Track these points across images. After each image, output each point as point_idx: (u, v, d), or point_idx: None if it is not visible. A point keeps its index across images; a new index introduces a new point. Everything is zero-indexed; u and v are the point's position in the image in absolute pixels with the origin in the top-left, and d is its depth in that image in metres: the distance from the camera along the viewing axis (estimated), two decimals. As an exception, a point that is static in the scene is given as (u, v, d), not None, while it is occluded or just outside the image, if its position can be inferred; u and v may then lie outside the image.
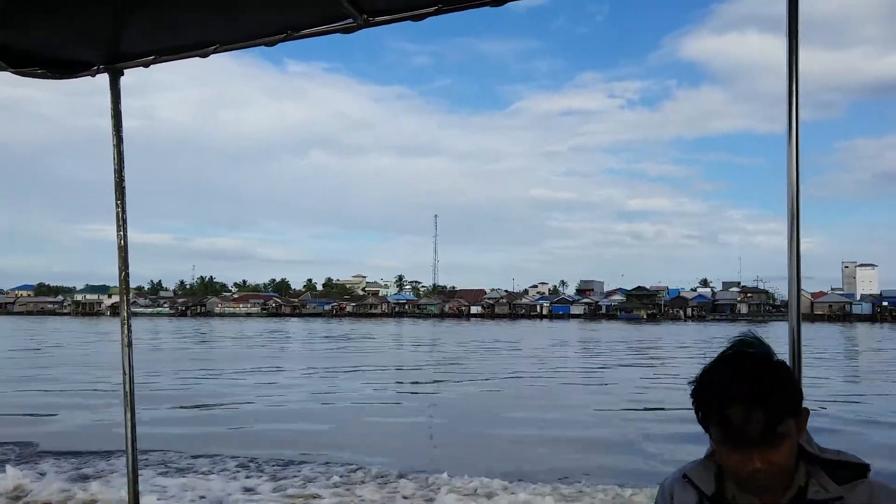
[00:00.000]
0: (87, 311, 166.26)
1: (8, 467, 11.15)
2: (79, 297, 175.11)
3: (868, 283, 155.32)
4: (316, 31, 2.34)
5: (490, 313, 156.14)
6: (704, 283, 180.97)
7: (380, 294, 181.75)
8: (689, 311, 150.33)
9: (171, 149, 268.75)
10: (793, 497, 1.64)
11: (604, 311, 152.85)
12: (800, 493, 1.64)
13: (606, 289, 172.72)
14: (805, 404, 1.68)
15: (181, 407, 19.69)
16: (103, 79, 2.87)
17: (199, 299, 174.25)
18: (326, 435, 15.58)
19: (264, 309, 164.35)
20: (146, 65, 2.72)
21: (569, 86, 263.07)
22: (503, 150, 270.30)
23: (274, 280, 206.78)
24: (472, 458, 12.89)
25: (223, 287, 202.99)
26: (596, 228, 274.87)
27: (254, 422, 17.39)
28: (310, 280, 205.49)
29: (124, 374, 2.95)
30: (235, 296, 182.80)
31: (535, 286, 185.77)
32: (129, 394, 2.94)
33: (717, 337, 68.89)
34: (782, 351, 1.72)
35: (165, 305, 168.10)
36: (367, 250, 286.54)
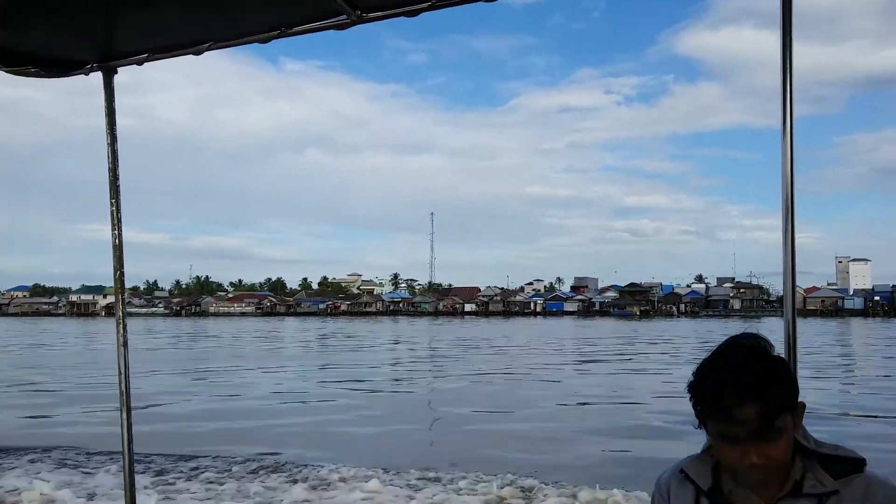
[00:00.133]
0: (83, 311, 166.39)
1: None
2: (74, 298, 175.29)
3: (861, 278, 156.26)
4: (309, 27, 2.35)
5: (484, 311, 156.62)
6: (699, 278, 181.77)
7: (375, 292, 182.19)
8: (682, 307, 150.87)
9: (168, 148, 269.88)
10: (789, 491, 1.65)
11: (597, 307, 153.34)
12: (796, 487, 1.65)
13: (601, 285, 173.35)
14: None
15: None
16: (100, 78, 2.89)
17: (193, 299, 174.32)
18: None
19: (259, 308, 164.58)
20: (140, 63, 2.73)
21: (565, 82, 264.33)
22: (499, 148, 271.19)
23: (269, 279, 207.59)
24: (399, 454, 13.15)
25: (219, 286, 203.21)
26: (593, 225, 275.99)
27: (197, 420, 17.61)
28: (305, 279, 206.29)
29: (119, 373, 2.95)
30: (230, 295, 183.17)
31: (531, 283, 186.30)
32: (124, 393, 2.95)
33: (698, 332, 69.55)
34: (776, 347, 1.72)
35: (160, 305, 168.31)
36: (365, 249, 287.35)
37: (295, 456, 12.50)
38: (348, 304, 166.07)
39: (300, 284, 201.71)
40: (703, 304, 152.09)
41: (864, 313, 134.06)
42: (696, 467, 1.77)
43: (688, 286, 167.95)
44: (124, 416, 2.94)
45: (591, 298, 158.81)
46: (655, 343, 51.50)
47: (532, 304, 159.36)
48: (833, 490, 1.63)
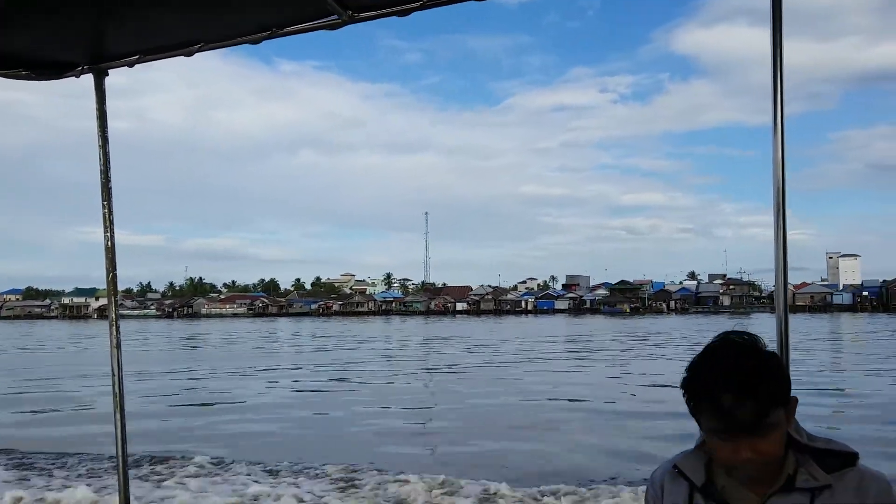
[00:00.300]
0: (75, 314, 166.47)
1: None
2: (66, 301, 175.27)
3: (851, 273, 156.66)
4: (301, 28, 2.34)
5: (476, 310, 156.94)
6: (692, 275, 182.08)
7: (367, 292, 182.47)
8: (672, 304, 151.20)
9: (162, 150, 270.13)
10: (782, 486, 1.66)
11: (588, 305, 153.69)
12: (789, 481, 1.65)
13: (592, 283, 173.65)
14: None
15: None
16: (91, 80, 2.89)
17: (185, 301, 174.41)
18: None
19: (251, 309, 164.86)
20: (131, 64, 2.72)
21: (560, 81, 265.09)
22: (494, 147, 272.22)
23: (263, 280, 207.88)
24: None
25: (212, 287, 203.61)
26: (589, 224, 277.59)
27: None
28: (298, 279, 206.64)
29: (113, 375, 2.94)
30: (222, 297, 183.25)
31: (524, 282, 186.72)
32: (118, 395, 2.94)
33: (677, 328, 69.80)
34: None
35: (152, 307, 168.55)
36: (361, 248, 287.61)
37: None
38: (340, 305, 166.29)
39: (293, 285, 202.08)
40: (693, 301, 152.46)
41: (852, 308, 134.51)
42: (689, 463, 1.77)
43: (680, 283, 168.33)
44: (118, 417, 2.93)
45: (581, 296, 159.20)
46: (621, 340, 51.99)
47: (523, 303, 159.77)
48: (826, 484, 1.64)
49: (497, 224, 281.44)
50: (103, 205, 2.96)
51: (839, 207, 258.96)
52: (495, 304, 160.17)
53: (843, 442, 1.72)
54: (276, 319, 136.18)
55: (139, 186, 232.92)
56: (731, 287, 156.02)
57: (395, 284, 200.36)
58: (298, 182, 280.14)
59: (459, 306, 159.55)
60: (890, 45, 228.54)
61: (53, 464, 12.24)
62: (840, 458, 1.67)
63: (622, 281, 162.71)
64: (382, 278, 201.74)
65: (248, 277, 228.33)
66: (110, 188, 2.97)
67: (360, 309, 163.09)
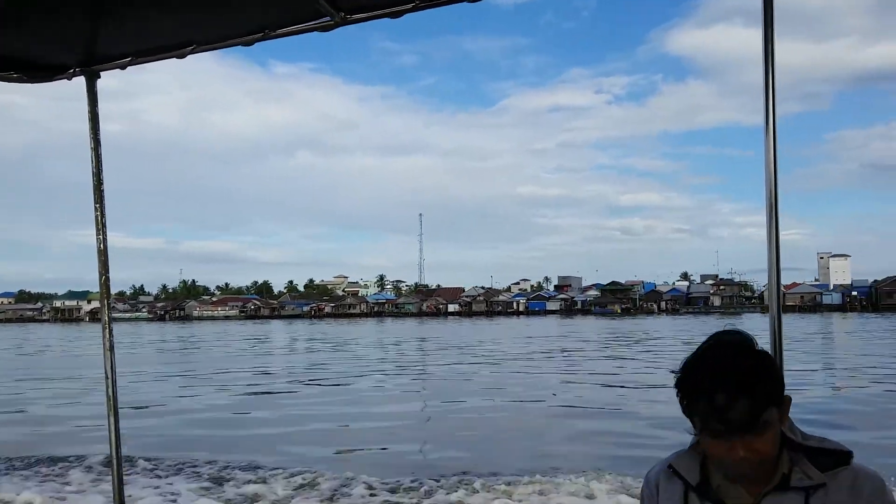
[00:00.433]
0: (66, 317, 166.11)
1: None
2: (58, 304, 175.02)
3: (841, 273, 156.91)
4: (293, 29, 2.34)
5: (467, 311, 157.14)
6: (685, 276, 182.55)
7: (360, 294, 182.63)
8: (663, 304, 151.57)
9: (159, 152, 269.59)
10: (776, 485, 1.66)
11: (579, 306, 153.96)
12: (783, 480, 1.66)
13: (585, 284, 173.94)
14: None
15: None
16: (84, 82, 2.90)
17: (177, 303, 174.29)
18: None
19: (243, 312, 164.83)
20: (123, 67, 2.72)
21: (556, 82, 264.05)
22: (490, 148, 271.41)
23: (256, 282, 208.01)
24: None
25: (206, 290, 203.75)
26: (585, 224, 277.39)
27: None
28: (291, 281, 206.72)
29: (106, 377, 2.94)
30: (214, 299, 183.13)
31: (517, 283, 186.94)
32: (111, 397, 2.93)
33: (658, 328, 69.90)
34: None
35: (144, 310, 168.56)
36: (357, 250, 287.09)
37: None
38: (332, 307, 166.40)
39: (286, 287, 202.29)
40: (683, 302, 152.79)
41: (842, 308, 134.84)
42: (684, 462, 1.78)
43: (672, 284, 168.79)
44: (112, 419, 2.93)
45: (573, 297, 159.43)
46: (590, 341, 52.23)
47: (515, 304, 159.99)
48: (820, 483, 1.64)
49: (493, 225, 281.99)
50: (95, 207, 2.95)
51: (835, 207, 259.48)
52: (487, 305, 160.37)
53: (836, 441, 1.72)
54: (269, 322, 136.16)
55: (135, 189, 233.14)
56: (722, 288, 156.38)
57: (389, 286, 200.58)
58: (294, 184, 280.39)
59: (451, 308, 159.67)
60: (884, 45, 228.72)
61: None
62: (834, 457, 1.68)
63: (613, 282, 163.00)
64: (375, 280, 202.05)
65: (244, 280, 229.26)
66: (103, 190, 2.96)
67: (352, 311, 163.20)
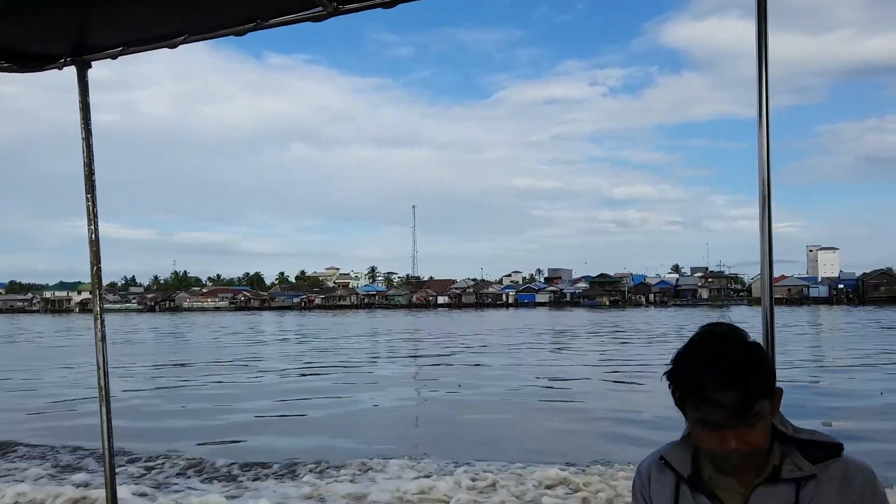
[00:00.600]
0: (56, 308, 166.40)
1: None
2: (48, 295, 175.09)
3: (829, 266, 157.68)
4: (285, 19, 2.31)
5: (457, 303, 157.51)
6: (676, 268, 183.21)
7: (350, 286, 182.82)
8: (651, 297, 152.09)
9: (153, 143, 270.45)
10: (767, 476, 1.67)
11: (568, 298, 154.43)
12: (774, 472, 1.67)
13: (575, 276, 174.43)
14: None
15: None
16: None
17: (167, 294, 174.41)
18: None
19: (233, 303, 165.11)
20: (114, 56, 2.68)
21: (550, 74, 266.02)
22: (486, 140, 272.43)
23: (248, 274, 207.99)
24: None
25: (197, 281, 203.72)
26: (580, 217, 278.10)
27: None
28: (282, 273, 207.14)
29: (98, 368, 2.91)
30: (204, 290, 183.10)
31: (509, 275, 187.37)
32: (103, 388, 2.90)
33: (632, 321, 70.05)
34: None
35: (134, 301, 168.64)
36: (352, 242, 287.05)
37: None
38: (322, 298, 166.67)
39: (277, 278, 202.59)
40: (672, 294, 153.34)
41: (828, 301, 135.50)
42: (675, 454, 1.79)
43: (661, 276, 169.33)
44: (103, 410, 2.91)
45: (562, 290, 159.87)
46: (557, 334, 52.31)
47: (504, 296, 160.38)
48: (811, 475, 1.66)
49: (489, 217, 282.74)
50: (87, 198, 2.91)
51: (828, 200, 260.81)
52: (477, 297, 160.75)
53: (827, 433, 1.74)
54: (259, 313, 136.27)
55: (130, 180, 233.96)
56: (710, 280, 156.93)
57: (380, 278, 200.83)
58: (290, 175, 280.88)
59: (441, 300, 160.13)
60: (878, 38, 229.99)
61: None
62: (825, 449, 1.69)
63: (602, 274, 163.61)
64: (366, 272, 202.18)
65: (238, 271, 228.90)
66: (94, 181, 2.92)
67: (342, 302, 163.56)
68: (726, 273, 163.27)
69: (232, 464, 11.55)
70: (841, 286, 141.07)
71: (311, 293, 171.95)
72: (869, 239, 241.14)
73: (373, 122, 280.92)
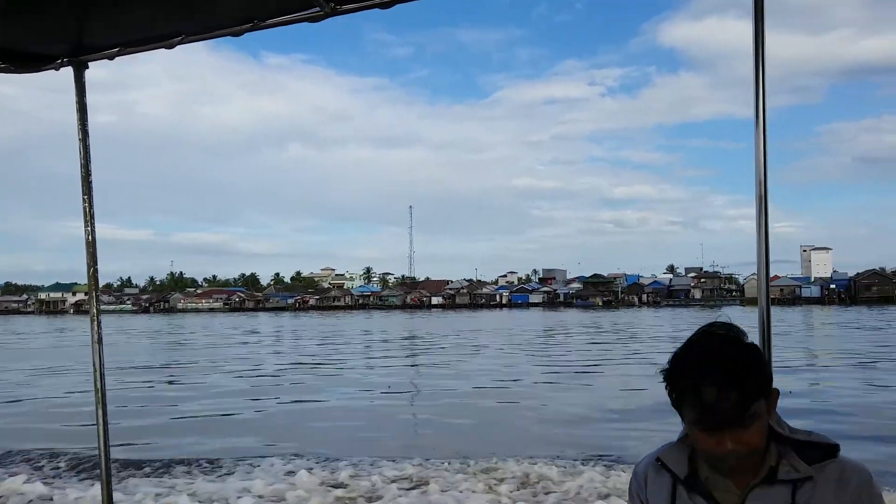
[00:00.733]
0: (51, 309, 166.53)
1: None
2: (43, 296, 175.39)
3: (823, 266, 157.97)
4: (282, 20, 2.31)
5: (451, 304, 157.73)
6: (671, 269, 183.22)
7: (345, 287, 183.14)
8: (644, 297, 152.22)
9: (151, 144, 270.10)
10: (764, 477, 1.67)
11: (562, 299, 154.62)
12: (770, 473, 1.67)
13: (570, 276, 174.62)
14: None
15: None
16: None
17: (162, 295, 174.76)
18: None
19: (227, 304, 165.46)
20: (111, 57, 2.68)
21: (549, 74, 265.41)
22: (485, 140, 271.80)
23: (243, 274, 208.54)
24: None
25: (193, 282, 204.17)
26: (580, 217, 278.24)
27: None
28: (277, 274, 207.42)
29: (95, 370, 2.90)
30: (199, 291, 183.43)
31: (505, 276, 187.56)
32: (100, 391, 2.90)
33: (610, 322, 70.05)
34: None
35: (128, 302, 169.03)
36: (350, 243, 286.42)
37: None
38: (317, 299, 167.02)
39: (272, 279, 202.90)
40: (665, 294, 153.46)
41: (820, 301, 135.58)
42: (672, 455, 1.79)
43: (655, 276, 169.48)
44: (100, 413, 2.90)
45: (556, 290, 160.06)
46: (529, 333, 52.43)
47: (498, 297, 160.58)
48: (807, 476, 1.66)
49: (489, 218, 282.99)
50: (84, 199, 2.91)
51: (827, 200, 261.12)
52: (471, 298, 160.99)
53: (824, 434, 1.74)
54: (254, 314, 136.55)
55: (127, 180, 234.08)
56: (703, 280, 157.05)
57: (375, 278, 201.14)
58: (288, 176, 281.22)
59: (435, 300, 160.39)
60: (877, 38, 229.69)
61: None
62: (821, 450, 1.69)
63: (595, 274, 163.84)
64: (362, 273, 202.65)
65: (235, 272, 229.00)
66: (91, 182, 2.92)
67: (336, 303, 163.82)
68: (722, 273, 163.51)
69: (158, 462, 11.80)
70: (833, 286, 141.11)
71: (305, 294, 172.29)
72: (868, 239, 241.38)
73: (371, 122, 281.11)
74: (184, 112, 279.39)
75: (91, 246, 2.92)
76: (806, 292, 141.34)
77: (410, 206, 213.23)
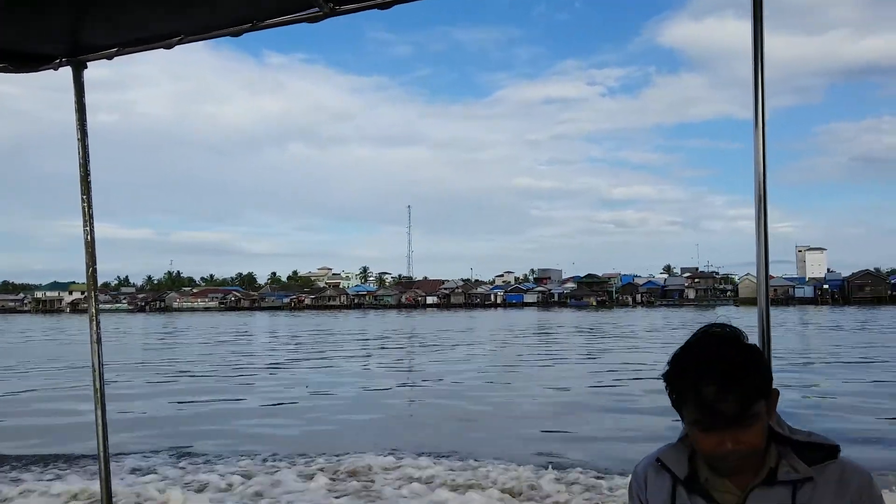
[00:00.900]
0: (47, 308, 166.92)
1: None
2: (39, 295, 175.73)
3: (817, 267, 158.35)
4: (282, 20, 2.31)
5: (446, 303, 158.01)
6: (667, 269, 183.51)
7: (341, 286, 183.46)
8: (638, 297, 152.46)
9: (152, 143, 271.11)
10: (764, 478, 1.67)
11: (556, 299, 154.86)
12: (771, 474, 1.67)
13: (566, 276, 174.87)
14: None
15: None
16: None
17: (158, 294, 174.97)
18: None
19: (223, 303, 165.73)
20: (110, 57, 2.68)
21: (549, 73, 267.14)
22: (484, 140, 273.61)
23: (241, 273, 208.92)
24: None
25: (191, 281, 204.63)
26: (579, 216, 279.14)
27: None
28: (274, 273, 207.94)
29: (94, 370, 2.90)
30: (194, 290, 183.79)
31: (501, 275, 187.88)
32: (99, 390, 2.90)
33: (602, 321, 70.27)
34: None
35: (124, 301, 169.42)
36: (350, 242, 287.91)
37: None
38: (312, 298, 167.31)
39: (269, 278, 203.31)
40: (659, 294, 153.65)
41: (813, 301, 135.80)
42: (672, 456, 1.79)
43: (651, 276, 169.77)
44: (99, 412, 2.90)
45: (550, 290, 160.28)
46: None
47: (493, 296, 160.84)
48: (808, 476, 1.65)
49: (489, 217, 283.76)
50: (82, 198, 2.90)
51: (827, 200, 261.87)
52: (465, 297, 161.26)
53: (824, 435, 1.74)
54: (252, 314, 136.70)
55: (128, 180, 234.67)
56: (697, 280, 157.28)
57: (372, 278, 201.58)
58: (288, 175, 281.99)
59: (430, 300, 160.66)
60: (875, 38, 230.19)
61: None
62: (822, 451, 1.69)
63: (589, 274, 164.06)
64: (359, 272, 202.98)
65: (234, 271, 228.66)
66: (90, 182, 2.91)
67: (332, 303, 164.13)
68: (719, 273, 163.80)
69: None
70: (826, 286, 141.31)
71: (301, 293, 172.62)
72: (866, 239, 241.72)
73: (371, 121, 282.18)
74: (184, 111, 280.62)
75: (90, 246, 2.93)
76: (799, 293, 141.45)
77: (409, 206, 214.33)
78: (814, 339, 42.38)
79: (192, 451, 12.77)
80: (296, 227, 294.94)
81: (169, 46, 2.52)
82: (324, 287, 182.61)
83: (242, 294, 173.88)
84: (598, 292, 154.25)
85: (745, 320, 1.78)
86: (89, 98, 2.90)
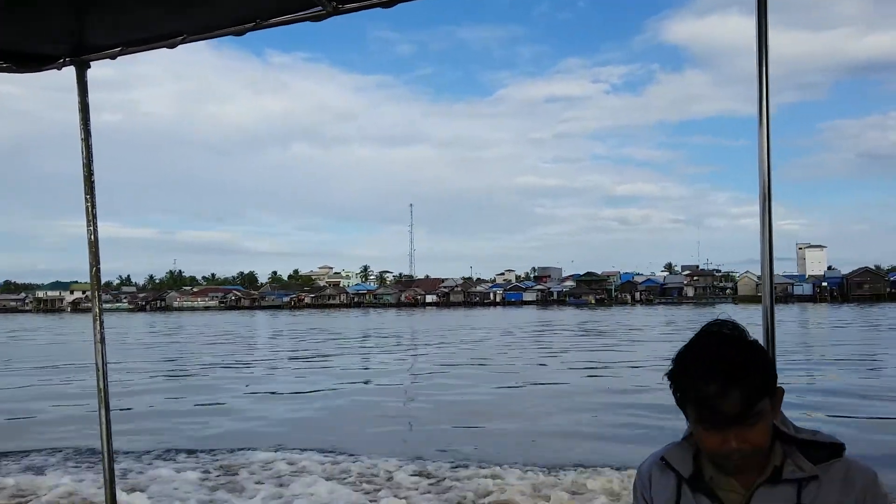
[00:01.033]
0: (49, 307, 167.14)
1: None
2: (41, 294, 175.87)
3: (817, 264, 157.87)
4: (285, 19, 2.31)
5: (445, 302, 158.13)
6: (669, 267, 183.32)
7: (341, 285, 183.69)
8: (637, 295, 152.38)
9: (155, 143, 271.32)
10: (769, 477, 1.66)
11: (555, 297, 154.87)
12: (775, 472, 1.66)
13: (566, 274, 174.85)
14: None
15: None
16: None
17: (158, 294, 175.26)
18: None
19: (223, 302, 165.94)
20: (113, 57, 2.67)
21: (552, 72, 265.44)
22: (488, 138, 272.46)
23: (242, 272, 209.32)
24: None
25: (192, 280, 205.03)
26: (583, 214, 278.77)
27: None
28: (274, 272, 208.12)
29: (97, 369, 2.90)
30: (195, 289, 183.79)
31: (502, 274, 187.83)
32: (102, 390, 2.90)
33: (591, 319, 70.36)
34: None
35: (125, 300, 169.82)
36: (353, 241, 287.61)
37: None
38: (312, 297, 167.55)
39: (269, 277, 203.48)
40: (658, 292, 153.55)
41: (812, 299, 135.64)
42: (676, 455, 1.78)
43: (651, 273, 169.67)
44: (103, 412, 2.90)
45: (549, 288, 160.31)
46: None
47: (492, 295, 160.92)
48: (813, 475, 1.65)
49: (492, 216, 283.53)
50: (86, 198, 2.89)
51: (832, 197, 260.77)
52: (465, 296, 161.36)
53: (830, 434, 1.73)
54: (252, 313, 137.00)
55: (131, 179, 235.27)
56: (696, 278, 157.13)
57: (373, 277, 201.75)
58: (291, 175, 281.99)
59: (429, 298, 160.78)
60: (881, 35, 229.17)
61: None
62: (827, 450, 1.69)
63: (588, 272, 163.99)
64: (359, 271, 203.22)
65: (236, 270, 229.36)
66: (93, 181, 2.90)
67: (331, 301, 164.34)
68: (720, 271, 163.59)
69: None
70: (825, 284, 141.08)
71: (301, 292, 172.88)
72: (870, 236, 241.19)
73: (374, 120, 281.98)
74: (187, 111, 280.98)
75: (93, 245, 2.93)
76: (798, 290, 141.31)
77: (411, 205, 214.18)
78: (808, 337, 42.59)
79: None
80: (298, 226, 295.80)
81: (172, 46, 2.53)
82: (324, 286, 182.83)
83: (243, 293, 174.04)
84: (597, 290, 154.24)
85: (743, 318, 1.80)
86: (93, 98, 2.91)
